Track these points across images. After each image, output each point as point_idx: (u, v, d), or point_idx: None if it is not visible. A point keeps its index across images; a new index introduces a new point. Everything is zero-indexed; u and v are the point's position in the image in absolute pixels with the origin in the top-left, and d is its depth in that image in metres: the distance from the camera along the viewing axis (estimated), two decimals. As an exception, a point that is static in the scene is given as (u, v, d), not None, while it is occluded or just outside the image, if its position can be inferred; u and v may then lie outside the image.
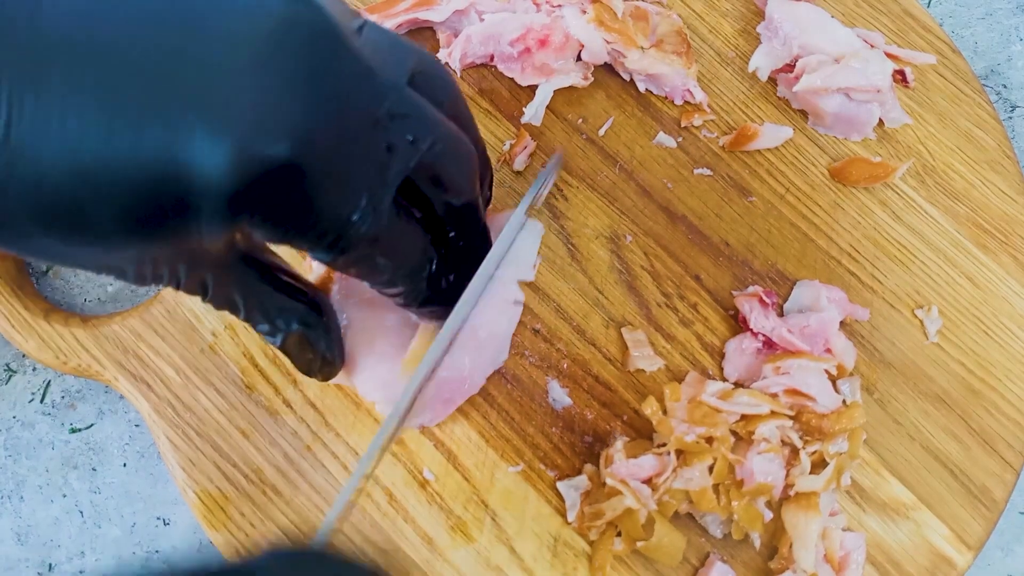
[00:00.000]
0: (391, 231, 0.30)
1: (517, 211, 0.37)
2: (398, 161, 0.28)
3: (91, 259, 0.27)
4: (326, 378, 0.38)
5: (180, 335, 0.44)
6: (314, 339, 0.36)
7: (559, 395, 0.44)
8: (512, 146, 0.49)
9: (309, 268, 0.41)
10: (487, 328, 0.41)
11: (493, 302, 0.41)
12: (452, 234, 0.34)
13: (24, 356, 0.48)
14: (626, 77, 0.51)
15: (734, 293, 0.47)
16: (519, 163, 0.48)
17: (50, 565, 0.45)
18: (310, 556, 0.25)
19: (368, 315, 0.39)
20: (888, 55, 0.50)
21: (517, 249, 0.42)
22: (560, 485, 0.42)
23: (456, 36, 0.49)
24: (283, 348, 0.36)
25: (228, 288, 0.32)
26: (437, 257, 0.34)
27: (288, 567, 0.24)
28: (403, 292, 0.34)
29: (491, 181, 0.37)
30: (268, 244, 0.34)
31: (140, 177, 0.25)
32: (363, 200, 0.28)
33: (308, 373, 0.37)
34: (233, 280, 0.32)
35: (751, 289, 0.46)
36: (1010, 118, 0.57)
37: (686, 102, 0.50)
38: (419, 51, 0.31)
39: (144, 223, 0.26)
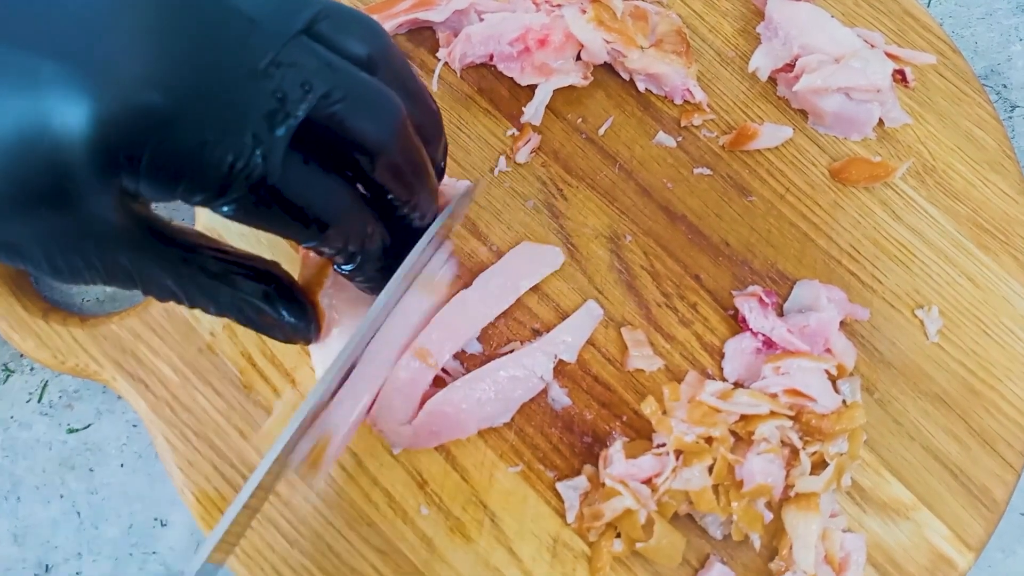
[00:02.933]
0: (296, 183, 0.29)
1: (422, 240, 0.36)
2: (288, 109, 0.28)
3: None
4: (306, 343, 0.37)
5: (178, 335, 0.44)
6: (273, 310, 0.35)
7: (558, 395, 0.44)
8: (515, 139, 0.48)
9: (302, 258, 0.41)
10: (503, 390, 0.42)
11: (520, 371, 0.43)
12: (390, 197, 0.33)
13: (22, 356, 0.48)
14: (626, 77, 0.50)
15: (734, 293, 0.47)
16: (522, 156, 0.48)
17: (47, 566, 0.45)
18: None
19: (359, 311, 0.39)
20: (888, 55, 0.50)
21: (568, 328, 0.45)
22: (559, 486, 0.42)
23: (456, 36, 0.49)
24: (247, 325, 0.35)
25: (155, 273, 0.31)
26: (375, 220, 0.33)
27: None
28: (339, 255, 0.33)
29: (445, 149, 0.36)
30: (159, 201, 0.32)
31: (4, 142, 0.24)
32: (246, 148, 0.27)
33: (284, 340, 0.36)
34: (155, 263, 0.31)
35: (751, 289, 0.46)
36: (1010, 118, 0.57)
37: (686, 102, 0.50)
38: (324, 2, 0.30)
39: (20, 191, 0.25)
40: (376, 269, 0.35)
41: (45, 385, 0.47)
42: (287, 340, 0.36)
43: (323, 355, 0.38)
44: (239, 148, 0.27)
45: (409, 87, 0.33)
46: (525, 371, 0.43)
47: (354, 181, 0.32)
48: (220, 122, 0.27)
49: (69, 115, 0.25)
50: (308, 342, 0.37)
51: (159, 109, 0.26)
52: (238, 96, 0.27)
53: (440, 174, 0.37)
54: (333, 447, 0.36)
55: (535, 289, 0.46)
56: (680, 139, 0.50)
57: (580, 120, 0.50)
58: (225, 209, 0.29)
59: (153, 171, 0.27)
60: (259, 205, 0.29)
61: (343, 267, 0.34)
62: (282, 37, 0.28)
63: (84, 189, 0.26)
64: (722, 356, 0.46)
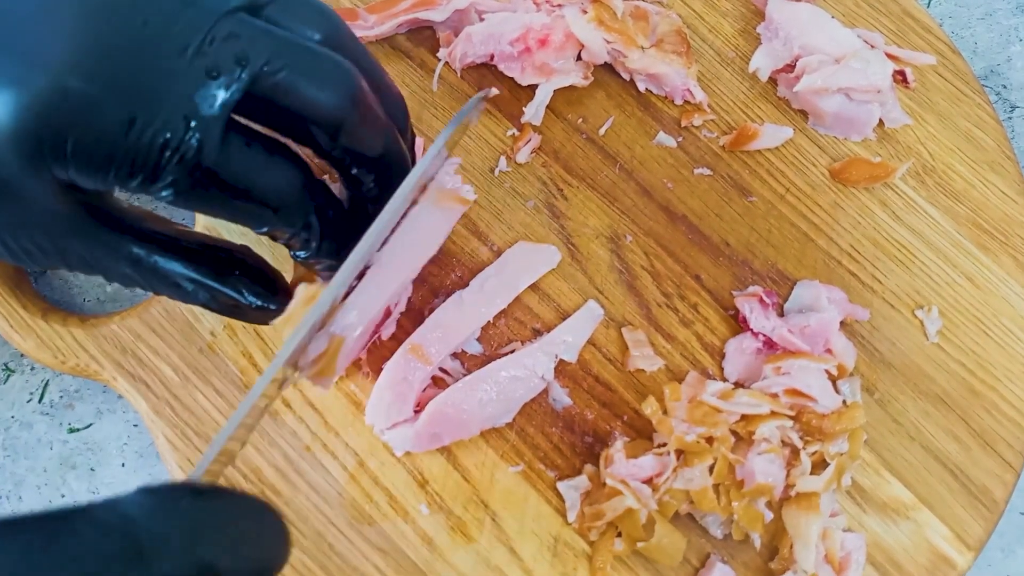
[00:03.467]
0: (237, 165, 0.28)
1: (435, 143, 0.35)
2: (223, 86, 0.27)
3: None
4: (265, 321, 0.36)
5: (179, 335, 0.44)
6: (237, 293, 0.34)
7: (559, 395, 0.44)
8: (516, 139, 0.48)
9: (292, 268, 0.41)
10: (504, 390, 0.42)
11: (521, 372, 0.43)
12: (354, 173, 0.32)
13: (22, 356, 0.48)
14: (626, 77, 0.50)
15: (734, 293, 0.47)
16: (522, 156, 0.48)
17: (48, 565, 0.45)
18: (182, 489, 0.24)
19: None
20: (888, 55, 0.50)
21: (569, 328, 0.44)
22: (560, 485, 0.42)
23: (456, 36, 0.49)
24: (213, 310, 0.34)
25: (107, 260, 0.31)
26: (324, 198, 0.32)
27: (161, 500, 0.23)
28: (293, 239, 0.32)
29: (412, 138, 0.35)
30: (98, 189, 0.31)
31: None
32: (178, 129, 0.27)
33: (253, 322, 0.36)
34: (105, 251, 0.31)
35: (751, 289, 0.46)
36: (1010, 118, 0.58)
37: (686, 102, 0.50)
38: None
39: None
40: (333, 254, 0.33)
41: (46, 385, 0.47)
42: (255, 322, 0.36)
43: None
44: (170, 129, 0.27)
45: (364, 65, 0.32)
46: (526, 371, 0.43)
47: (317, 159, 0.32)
48: (148, 103, 0.26)
49: None
50: (266, 322, 0.36)
51: (80, 93, 0.26)
52: (167, 76, 0.27)
53: (411, 148, 0.36)
54: (346, 350, 0.35)
55: (535, 289, 0.46)
56: (680, 139, 0.50)
57: (581, 120, 0.50)
58: (164, 194, 0.28)
59: (80, 157, 0.27)
60: (197, 188, 0.28)
61: (299, 254, 0.34)
62: (215, 14, 0.28)
63: (17, 178, 0.26)
64: (723, 356, 0.46)
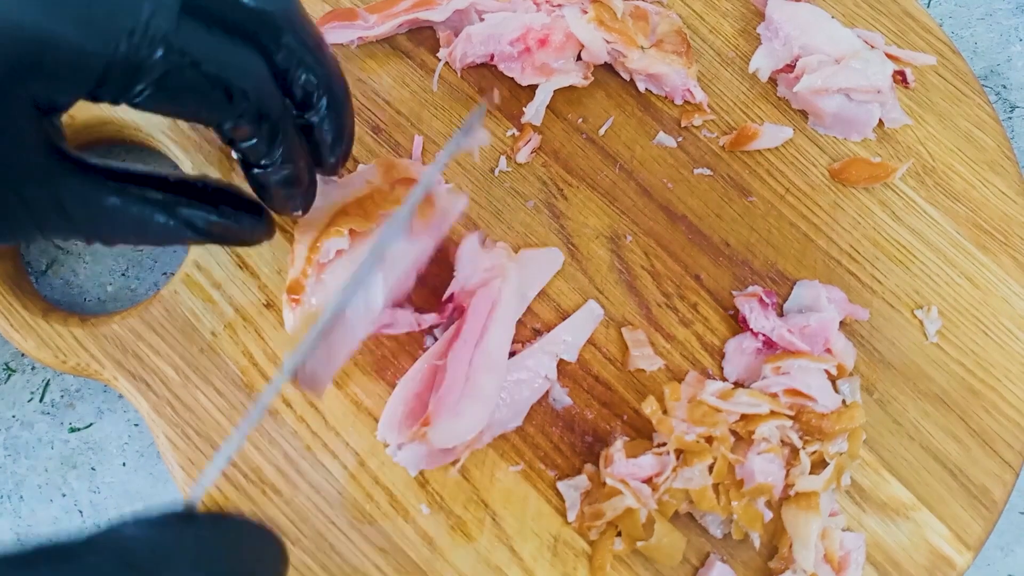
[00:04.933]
0: (204, 45, 0.29)
1: (436, 163, 0.36)
2: None
3: None
4: (257, 240, 0.37)
5: (179, 334, 0.44)
6: (226, 217, 0.35)
7: (559, 395, 0.44)
8: (516, 139, 0.48)
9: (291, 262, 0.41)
10: (511, 394, 0.42)
11: (525, 374, 0.43)
12: (302, 81, 0.33)
13: (23, 355, 0.48)
14: (626, 77, 0.51)
15: (734, 293, 0.47)
16: (522, 156, 0.48)
17: (49, 565, 0.45)
18: (181, 516, 0.24)
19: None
20: (888, 56, 0.50)
21: (569, 327, 0.45)
22: (560, 485, 0.42)
23: (457, 36, 0.49)
24: (199, 240, 0.35)
25: (91, 205, 0.31)
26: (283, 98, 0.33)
27: (159, 529, 0.23)
28: (258, 141, 0.32)
29: (349, 110, 0.36)
30: (75, 101, 0.31)
31: None
32: (141, 17, 0.28)
33: (248, 243, 0.36)
34: (83, 192, 0.31)
35: (751, 289, 0.46)
36: (1010, 118, 0.58)
37: (686, 102, 0.50)
38: None
39: None
40: (292, 161, 0.34)
41: (47, 384, 0.47)
42: (247, 243, 0.36)
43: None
44: (133, 21, 0.27)
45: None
46: (529, 373, 0.43)
47: None
48: (106, 1, 0.27)
49: None
50: (269, 238, 0.37)
51: (39, 1, 0.26)
52: None
53: (348, 131, 0.36)
54: (332, 362, 0.36)
55: (536, 289, 0.46)
56: (680, 139, 0.50)
57: (581, 120, 0.50)
58: (140, 88, 0.29)
59: (54, 64, 0.27)
60: (171, 75, 0.29)
61: (264, 162, 0.34)
62: None
63: None
64: (722, 356, 0.46)
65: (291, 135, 0.34)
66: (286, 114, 0.33)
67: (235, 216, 0.35)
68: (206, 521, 0.24)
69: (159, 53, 0.28)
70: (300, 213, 0.38)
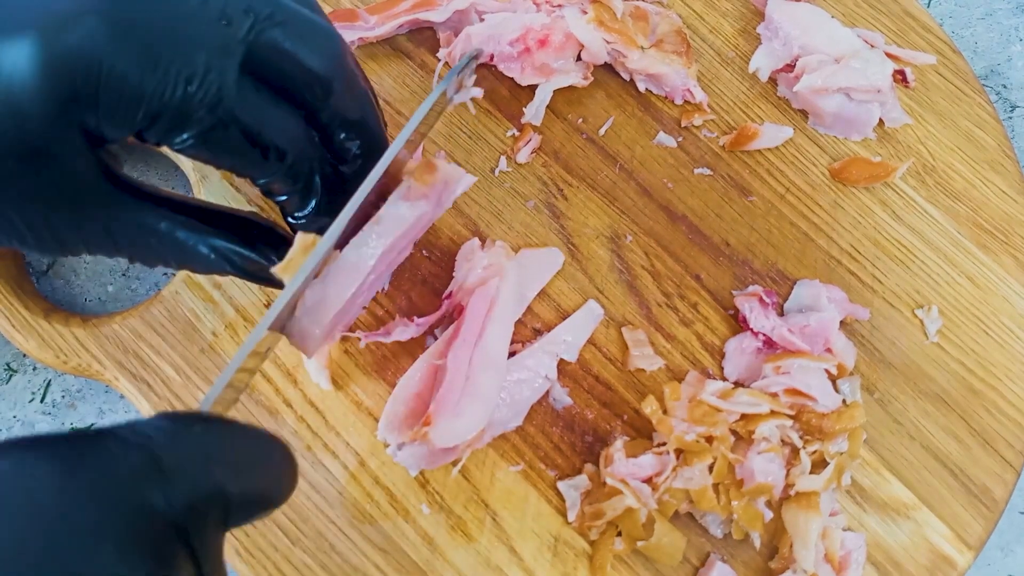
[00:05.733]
0: (251, 108, 0.30)
1: (432, 95, 0.36)
2: (235, 30, 0.29)
3: None
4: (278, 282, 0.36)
5: (180, 334, 0.44)
6: (261, 256, 0.35)
7: (559, 395, 0.44)
8: (516, 139, 0.49)
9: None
10: (512, 394, 0.42)
11: (525, 373, 0.43)
12: (343, 137, 0.34)
13: (24, 356, 0.48)
14: (626, 77, 0.51)
15: (734, 293, 0.47)
16: (522, 156, 0.48)
17: (50, 565, 0.45)
18: (198, 417, 0.25)
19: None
20: (888, 55, 0.50)
21: (570, 327, 0.44)
22: (560, 485, 0.42)
23: (457, 36, 0.49)
24: (232, 274, 0.35)
25: (132, 229, 0.31)
26: (321, 155, 0.33)
27: (178, 425, 0.24)
28: (294, 193, 0.33)
29: (382, 126, 0.36)
30: (131, 142, 0.32)
31: None
32: (199, 69, 0.28)
33: (270, 284, 0.36)
34: (131, 217, 0.31)
35: (751, 289, 0.46)
36: (1010, 118, 0.58)
37: (686, 102, 0.50)
38: None
39: None
40: (329, 212, 0.34)
41: (48, 385, 0.47)
42: (279, 285, 0.36)
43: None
44: (193, 69, 0.28)
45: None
46: (530, 372, 0.43)
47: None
48: (171, 46, 0.27)
49: (17, 56, 0.25)
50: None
51: (105, 33, 0.26)
52: (185, 21, 0.28)
53: (381, 140, 0.36)
54: (325, 325, 0.35)
55: (536, 289, 0.46)
56: (680, 139, 0.50)
57: (581, 120, 0.50)
58: (184, 136, 0.29)
59: (110, 97, 0.27)
60: (216, 130, 0.29)
61: (297, 214, 0.34)
62: None
63: (46, 131, 0.26)
64: (722, 356, 0.46)
65: (323, 191, 0.34)
66: (324, 169, 0.34)
67: (268, 257, 0.35)
68: (222, 422, 0.25)
69: (212, 107, 0.29)
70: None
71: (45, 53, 0.25)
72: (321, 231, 0.35)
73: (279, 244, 0.36)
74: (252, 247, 0.35)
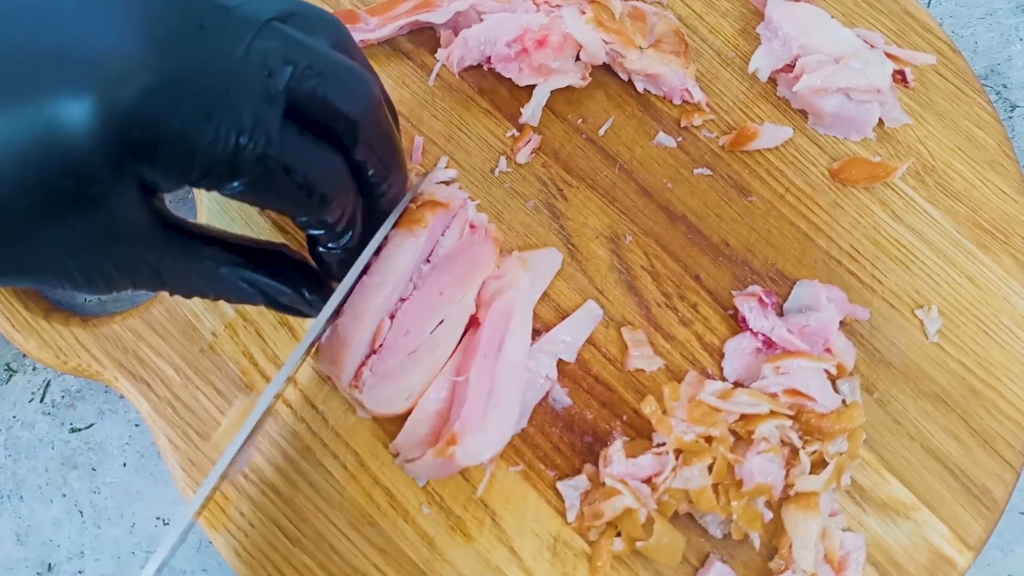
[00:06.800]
0: (296, 154, 0.31)
1: (383, 229, 0.39)
2: (277, 81, 0.30)
3: (31, 262, 0.28)
4: (314, 313, 0.38)
5: (180, 335, 0.44)
6: (294, 289, 0.37)
7: (559, 395, 0.44)
8: (516, 140, 0.49)
9: None
10: (520, 398, 0.42)
11: (526, 375, 0.43)
12: (371, 174, 0.35)
13: (24, 356, 0.48)
14: (624, 77, 0.51)
15: (734, 293, 0.47)
16: (522, 156, 0.48)
17: (49, 565, 0.45)
18: None
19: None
20: (888, 55, 0.50)
21: (568, 327, 0.45)
22: (560, 485, 0.42)
23: (457, 36, 0.49)
24: (271, 306, 0.37)
25: (180, 268, 0.33)
26: (358, 191, 0.35)
27: None
28: (331, 230, 0.35)
29: (405, 162, 0.38)
30: (177, 189, 0.33)
31: (21, 151, 0.26)
32: (247, 121, 0.29)
33: (305, 315, 0.38)
34: (179, 258, 0.33)
35: (751, 289, 0.46)
36: (1010, 118, 0.58)
37: (685, 102, 0.50)
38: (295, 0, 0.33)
39: (45, 199, 0.27)
40: (352, 248, 0.37)
41: (47, 385, 0.48)
42: (305, 314, 0.38)
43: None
44: (243, 123, 0.29)
45: (367, 70, 0.35)
46: (531, 373, 0.43)
47: None
48: (220, 100, 0.28)
49: (75, 112, 0.26)
50: (316, 312, 0.38)
51: (159, 90, 0.27)
52: (230, 75, 0.29)
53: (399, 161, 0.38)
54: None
55: (535, 289, 0.46)
56: (680, 139, 0.50)
57: (580, 121, 0.50)
58: (235, 184, 0.30)
59: (166, 151, 0.28)
60: (266, 177, 0.30)
61: (330, 246, 0.36)
62: (257, 22, 0.30)
63: (104, 184, 0.27)
64: (722, 356, 0.46)
65: (360, 224, 0.36)
66: (358, 207, 0.36)
67: (299, 289, 0.37)
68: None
69: (260, 157, 0.30)
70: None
71: (103, 110, 0.26)
72: (346, 261, 0.37)
73: (310, 277, 0.37)
74: (284, 279, 0.36)
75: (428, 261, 0.43)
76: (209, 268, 0.34)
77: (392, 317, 0.41)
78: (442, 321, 0.42)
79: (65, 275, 0.30)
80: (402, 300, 0.42)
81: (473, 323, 0.43)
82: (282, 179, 0.31)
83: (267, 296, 0.36)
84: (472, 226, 0.44)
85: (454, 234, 0.43)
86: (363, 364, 0.40)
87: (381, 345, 0.41)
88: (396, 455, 0.42)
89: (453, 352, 0.42)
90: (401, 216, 0.41)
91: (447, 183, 0.47)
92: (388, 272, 0.40)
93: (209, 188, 0.30)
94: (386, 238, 0.40)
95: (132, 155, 0.27)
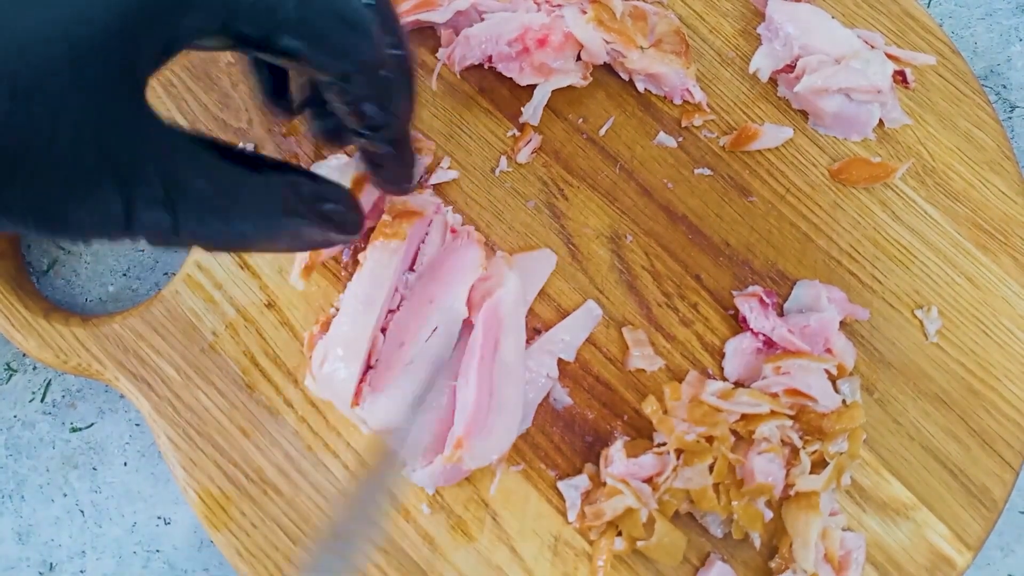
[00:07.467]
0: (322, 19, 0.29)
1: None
2: None
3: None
4: (355, 234, 0.34)
5: (180, 334, 0.44)
6: (332, 205, 0.33)
7: (560, 395, 0.44)
8: (516, 139, 0.49)
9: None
10: (522, 397, 0.42)
11: (528, 374, 0.43)
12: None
13: (24, 355, 0.48)
14: (625, 77, 0.51)
15: (734, 293, 0.47)
16: (523, 156, 0.48)
17: (51, 564, 0.45)
18: None
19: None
20: (888, 56, 0.50)
21: (568, 327, 0.45)
22: (561, 485, 0.42)
23: (458, 35, 0.49)
24: (303, 232, 0.32)
25: (192, 180, 0.27)
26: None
27: None
28: (365, 107, 0.33)
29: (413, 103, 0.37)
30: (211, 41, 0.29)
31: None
32: None
33: (336, 238, 0.34)
34: (192, 165, 0.27)
35: (751, 289, 0.46)
36: (1010, 118, 0.58)
37: (686, 102, 0.50)
38: None
39: (71, 48, 0.24)
40: (391, 140, 0.35)
41: (48, 384, 0.47)
42: (339, 238, 0.34)
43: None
44: None
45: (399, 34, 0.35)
46: (532, 373, 0.43)
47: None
48: None
49: None
50: (356, 233, 0.35)
51: None
52: None
53: (406, 117, 0.37)
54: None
55: (536, 289, 0.46)
56: (681, 139, 0.50)
57: (581, 120, 0.50)
58: (287, 43, 0.29)
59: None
60: (307, 18, 0.29)
61: (368, 132, 0.34)
62: None
63: (140, 26, 0.25)
64: (723, 356, 0.46)
65: (400, 98, 0.34)
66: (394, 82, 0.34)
67: (355, 214, 0.34)
68: None
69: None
70: (407, 187, 0.39)
71: None
72: (397, 157, 0.36)
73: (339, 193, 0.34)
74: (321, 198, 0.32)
75: (413, 270, 0.43)
76: (228, 184, 0.28)
77: (384, 331, 0.42)
78: (436, 328, 0.42)
79: (94, 207, 0.25)
80: (391, 312, 0.42)
81: (468, 326, 0.43)
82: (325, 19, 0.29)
83: (321, 214, 0.32)
84: (453, 231, 0.44)
85: (435, 240, 0.44)
86: (362, 381, 0.40)
87: (378, 360, 0.41)
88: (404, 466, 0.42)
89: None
90: (378, 230, 0.41)
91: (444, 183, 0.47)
92: (373, 291, 0.40)
93: (258, 43, 0.29)
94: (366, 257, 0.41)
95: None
